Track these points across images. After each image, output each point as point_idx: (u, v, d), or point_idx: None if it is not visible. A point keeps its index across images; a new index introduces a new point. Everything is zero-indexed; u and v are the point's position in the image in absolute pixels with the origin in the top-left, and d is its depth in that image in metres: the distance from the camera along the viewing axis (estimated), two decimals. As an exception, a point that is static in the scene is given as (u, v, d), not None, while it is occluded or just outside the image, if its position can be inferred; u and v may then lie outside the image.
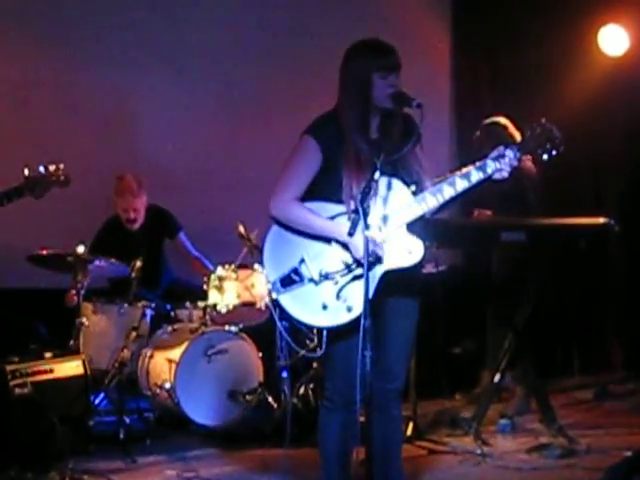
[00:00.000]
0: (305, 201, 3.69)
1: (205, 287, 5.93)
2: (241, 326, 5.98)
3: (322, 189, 3.68)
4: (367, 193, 3.40)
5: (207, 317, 5.94)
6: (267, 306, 5.88)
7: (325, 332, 3.62)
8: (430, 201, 3.66)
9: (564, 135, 3.60)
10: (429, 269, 6.08)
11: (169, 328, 6.05)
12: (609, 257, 7.74)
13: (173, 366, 5.64)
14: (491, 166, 3.69)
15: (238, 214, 6.03)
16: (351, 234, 3.42)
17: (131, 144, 7.08)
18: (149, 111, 7.17)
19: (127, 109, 7.07)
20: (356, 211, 3.38)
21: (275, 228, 3.69)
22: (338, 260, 3.61)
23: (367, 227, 3.39)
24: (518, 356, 5.86)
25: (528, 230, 5.50)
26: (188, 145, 7.17)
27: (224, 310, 5.87)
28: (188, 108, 7.22)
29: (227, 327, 5.91)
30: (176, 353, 5.70)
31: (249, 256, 5.91)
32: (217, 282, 5.89)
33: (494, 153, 3.72)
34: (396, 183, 3.68)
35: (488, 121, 6.24)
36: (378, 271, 3.62)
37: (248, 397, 5.75)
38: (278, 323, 3.74)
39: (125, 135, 7.07)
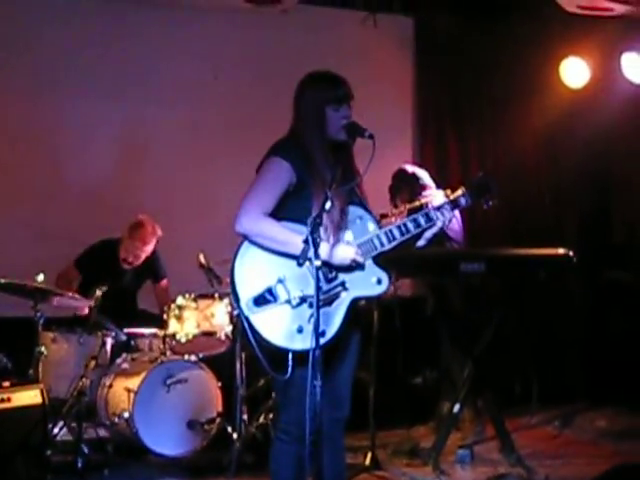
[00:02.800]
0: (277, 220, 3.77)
1: (165, 316, 6.04)
2: (201, 356, 6.11)
3: (293, 210, 3.77)
4: (318, 224, 3.51)
5: (167, 346, 6.06)
6: (227, 336, 5.99)
7: (291, 356, 3.65)
8: (397, 235, 3.85)
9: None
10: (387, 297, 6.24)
11: (129, 357, 6.16)
12: (569, 287, 7.89)
13: (132, 395, 5.74)
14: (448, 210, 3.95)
15: (199, 243, 6.13)
16: (300, 264, 3.53)
17: (92, 172, 7.21)
18: (107, 139, 7.33)
19: (80, 135, 7.22)
20: (306, 241, 3.49)
21: (246, 244, 3.73)
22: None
23: (317, 257, 3.49)
24: (476, 385, 5.96)
25: (487, 261, 5.61)
26: (151, 173, 7.32)
27: (184, 339, 5.97)
28: (149, 136, 7.40)
29: (186, 357, 6.03)
30: (135, 382, 5.80)
31: (209, 286, 6.01)
32: (177, 311, 5.99)
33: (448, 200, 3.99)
34: (362, 213, 3.86)
35: (405, 170, 6.46)
36: (347, 298, 3.76)
37: (207, 427, 5.86)
38: (253, 342, 3.68)
39: (85, 163, 7.20)
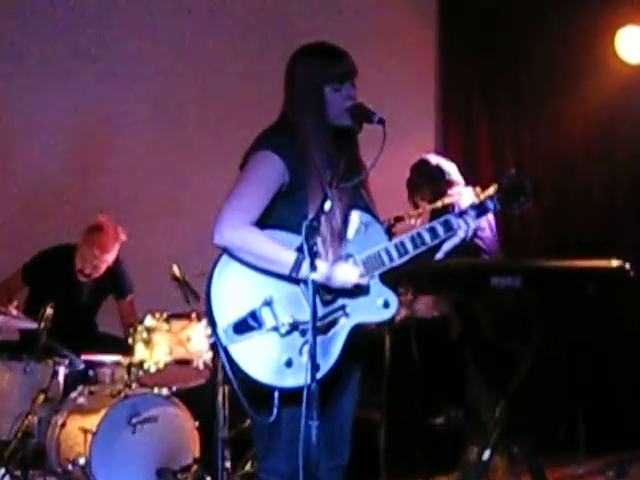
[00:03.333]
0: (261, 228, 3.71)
1: (130, 340, 5.99)
2: (174, 389, 6.08)
3: (285, 216, 3.74)
4: (315, 228, 3.44)
5: (132, 377, 6.02)
6: (206, 365, 5.95)
7: (277, 395, 3.62)
8: (409, 248, 3.81)
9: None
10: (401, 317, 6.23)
11: (86, 390, 6.13)
12: (624, 308, 7.85)
13: (89, 437, 5.70)
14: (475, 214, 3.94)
15: (172, 251, 6.13)
16: (292, 278, 3.53)
17: (42, 165, 7.19)
18: (60, 124, 7.31)
19: (27, 121, 7.20)
20: (300, 249, 3.45)
21: (226, 258, 3.68)
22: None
23: (314, 268, 3.42)
24: (511, 427, 5.94)
25: (524, 274, 5.57)
26: (112, 166, 7.31)
27: (153, 369, 5.92)
28: (110, 121, 7.37)
29: (156, 390, 6.00)
30: (93, 421, 5.76)
31: (185, 303, 5.98)
32: (145, 334, 5.95)
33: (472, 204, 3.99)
34: (368, 219, 3.83)
35: (428, 161, 6.45)
36: (347, 325, 3.72)
37: (181, 476, 5.83)
38: (232, 377, 3.64)
39: (34, 154, 7.20)
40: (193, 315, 5.97)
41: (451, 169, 6.41)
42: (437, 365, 6.44)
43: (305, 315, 3.55)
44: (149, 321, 5.97)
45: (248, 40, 7.58)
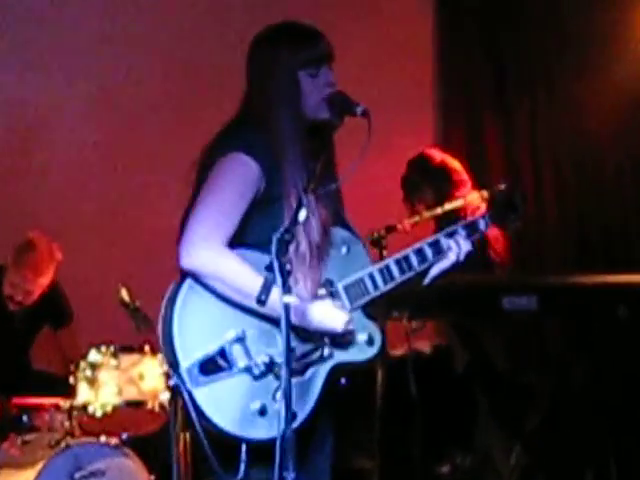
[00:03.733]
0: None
1: (72, 379, 5.99)
2: (124, 437, 6.06)
3: (259, 231, 3.70)
4: (287, 242, 3.36)
5: (75, 423, 6.01)
6: (163, 407, 5.94)
7: (244, 449, 3.60)
8: (395, 273, 3.84)
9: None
10: (399, 351, 6.24)
11: (19, 440, 6.09)
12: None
13: (23, 496, 5.71)
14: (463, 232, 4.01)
15: (119, 272, 6.13)
16: (262, 301, 3.36)
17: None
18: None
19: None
20: (270, 268, 3.35)
21: (190, 284, 3.63)
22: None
23: (288, 290, 3.33)
24: (529, 474, 5.96)
25: (541, 294, 5.61)
26: (45, 173, 7.31)
27: (99, 413, 5.91)
28: (42, 119, 7.39)
29: (103, 438, 5.98)
30: (28, 476, 5.74)
31: (136, 333, 5.97)
32: (89, 372, 5.94)
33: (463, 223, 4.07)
34: (348, 236, 3.86)
35: (431, 157, 6.42)
36: (326, 365, 3.73)
37: (133, 541, 5.84)
38: (197, 426, 3.59)
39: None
40: (146, 348, 5.98)
41: (458, 167, 6.37)
42: (440, 403, 6.46)
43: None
44: (93, 356, 5.97)
45: (214, 29, 7.61)
